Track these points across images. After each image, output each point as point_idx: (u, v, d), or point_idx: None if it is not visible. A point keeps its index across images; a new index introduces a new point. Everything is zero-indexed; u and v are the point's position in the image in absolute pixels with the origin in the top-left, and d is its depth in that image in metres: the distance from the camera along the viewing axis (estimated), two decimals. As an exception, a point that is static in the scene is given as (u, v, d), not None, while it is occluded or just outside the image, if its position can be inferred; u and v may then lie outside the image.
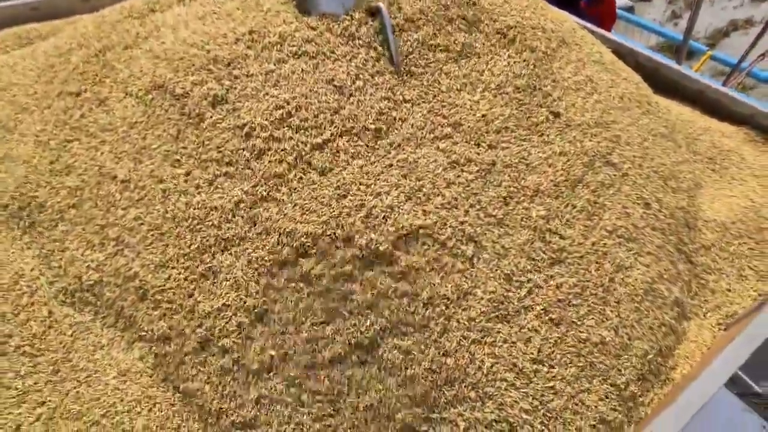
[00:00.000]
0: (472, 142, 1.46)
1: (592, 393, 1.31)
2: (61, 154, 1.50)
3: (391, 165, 1.35)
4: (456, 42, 1.55)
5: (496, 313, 1.28)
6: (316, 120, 1.36)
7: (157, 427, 1.27)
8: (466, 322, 1.25)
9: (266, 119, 1.36)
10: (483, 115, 1.50)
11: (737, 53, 3.37)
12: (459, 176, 1.37)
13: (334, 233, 1.24)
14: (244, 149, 1.34)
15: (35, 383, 1.27)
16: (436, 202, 1.31)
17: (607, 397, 1.32)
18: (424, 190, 1.32)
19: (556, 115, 1.58)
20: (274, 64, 1.42)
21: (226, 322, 1.25)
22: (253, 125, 1.35)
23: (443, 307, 1.24)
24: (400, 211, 1.28)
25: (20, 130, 1.61)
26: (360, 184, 1.30)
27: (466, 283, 1.27)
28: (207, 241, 1.30)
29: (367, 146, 1.37)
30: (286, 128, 1.35)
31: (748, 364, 1.34)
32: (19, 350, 1.30)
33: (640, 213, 1.56)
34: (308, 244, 1.24)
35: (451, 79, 1.52)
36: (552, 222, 1.42)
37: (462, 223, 1.32)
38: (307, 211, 1.27)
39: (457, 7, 1.60)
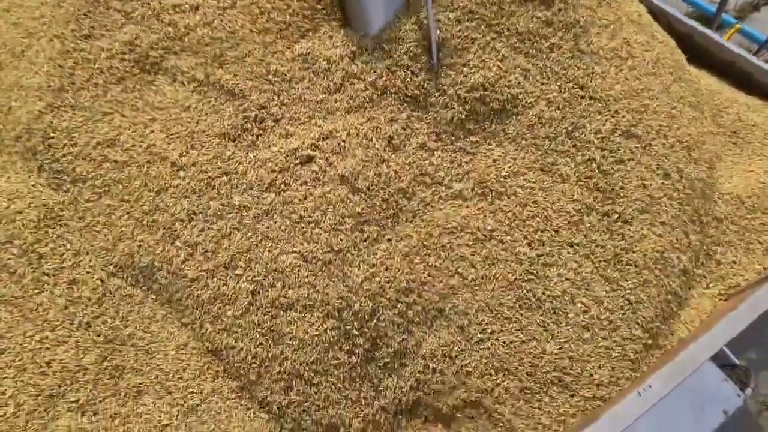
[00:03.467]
0: (479, 197, 1.56)
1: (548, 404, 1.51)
2: (98, 125, 1.47)
3: (410, 236, 1.52)
4: (501, 99, 1.56)
5: (444, 355, 1.52)
6: (366, 181, 1.48)
7: (225, 392, 1.42)
8: (415, 362, 1.53)
9: (315, 148, 1.46)
10: (494, 161, 1.57)
11: (766, 28, 3.27)
12: (457, 240, 1.54)
13: (371, 309, 1.48)
14: (301, 197, 1.45)
15: (94, 339, 1.37)
16: (428, 271, 1.53)
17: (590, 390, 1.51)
18: (423, 263, 1.52)
19: (573, 137, 1.61)
20: (322, 93, 1.48)
21: (289, 381, 1.46)
22: (303, 154, 1.45)
23: (401, 356, 1.53)
24: (407, 293, 1.51)
25: (29, 57, 1.55)
26: (388, 267, 1.50)
27: (422, 338, 1.52)
28: (273, 301, 1.44)
29: (395, 216, 1.53)
30: (334, 183, 1.46)
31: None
32: (64, 298, 1.38)
33: (658, 183, 1.62)
34: (354, 316, 1.47)
35: (479, 137, 1.59)
36: (536, 267, 1.54)
37: (435, 293, 1.52)
38: (352, 289, 1.47)
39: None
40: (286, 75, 1.47)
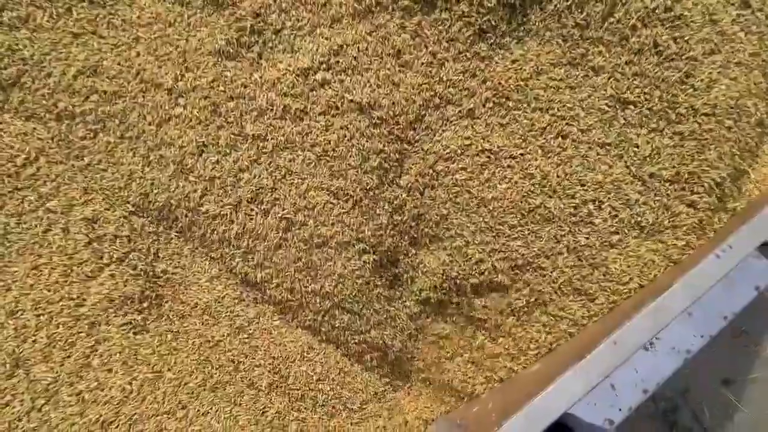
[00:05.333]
0: (491, 111, 1.43)
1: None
2: (72, 50, 1.29)
3: (411, 168, 1.48)
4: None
5: (443, 273, 1.56)
6: (382, 111, 1.37)
7: (269, 315, 1.52)
8: (423, 279, 1.59)
9: (327, 68, 1.33)
10: (513, 62, 1.40)
11: None
12: (454, 165, 1.47)
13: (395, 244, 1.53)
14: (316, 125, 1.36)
15: (131, 272, 1.39)
16: (422, 200, 1.53)
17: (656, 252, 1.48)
18: (420, 196, 1.52)
19: (610, 16, 1.41)
20: None
21: (332, 312, 1.51)
22: (317, 78, 1.33)
23: (412, 272, 1.60)
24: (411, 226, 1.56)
25: None
26: (398, 205, 1.50)
27: (423, 258, 1.57)
28: (306, 240, 1.44)
29: (405, 149, 1.46)
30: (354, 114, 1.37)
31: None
32: (84, 235, 1.36)
33: (732, 15, 1.40)
34: (384, 252, 1.52)
35: (497, 36, 1.42)
36: (551, 179, 1.45)
37: (430, 220, 1.53)
38: (381, 227, 1.49)
39: None
40: None
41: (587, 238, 1.48)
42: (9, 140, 1.31)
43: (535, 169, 1.45)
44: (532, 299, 1.54)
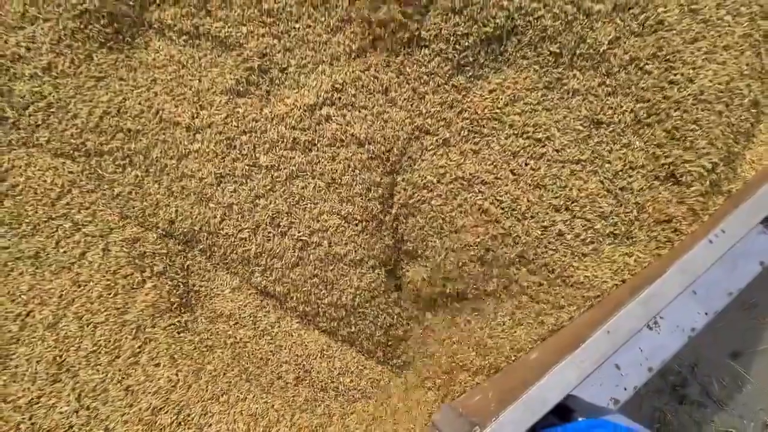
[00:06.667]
0: (465, 138, 1.47)
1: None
2: (96, 93, 1.40)
3: (394, 198, 1.58)
4: (498, 29, 1.40)
5: (424, 281, 1.67)
6: (375, 146, 1.47)
7: (288, 320, 1.66)
8: (408, 287, 1.73)
9: (330, 104, 1.41)
10: (491, 91, 1.45)
11: None
12: (430, 194, 1.54)
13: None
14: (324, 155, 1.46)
15: (169, 283, 1.51)
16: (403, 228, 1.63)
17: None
18: (404, 221, 1.62)
19: (583, 43, 1.43)
20: (326, 33, 1.36)
21: (348, 319, 1.64)
22: (322, 114, 1.42)
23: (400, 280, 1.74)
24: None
25: None
26: (394, 231, 1.61)
27: (407, 270, 1.70)
28: (322, 258, 1.55)
29: (393, 181, 1.54)
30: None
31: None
32: (126, 253, 1.46)
33: (717, 0, 1.35)
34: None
35: (474, 68, 1.47)
36: (520, 202, 1.48)
37: (409, 243, 1.64)
38: (389, 247, 1.63)
39: None
40: (281, 14, 1.34)
41: (554, 253, 1.52)
42: (39, 174, 1.41)
43: (505, 194, 1.49)
44: (504, 312, 1.61)
